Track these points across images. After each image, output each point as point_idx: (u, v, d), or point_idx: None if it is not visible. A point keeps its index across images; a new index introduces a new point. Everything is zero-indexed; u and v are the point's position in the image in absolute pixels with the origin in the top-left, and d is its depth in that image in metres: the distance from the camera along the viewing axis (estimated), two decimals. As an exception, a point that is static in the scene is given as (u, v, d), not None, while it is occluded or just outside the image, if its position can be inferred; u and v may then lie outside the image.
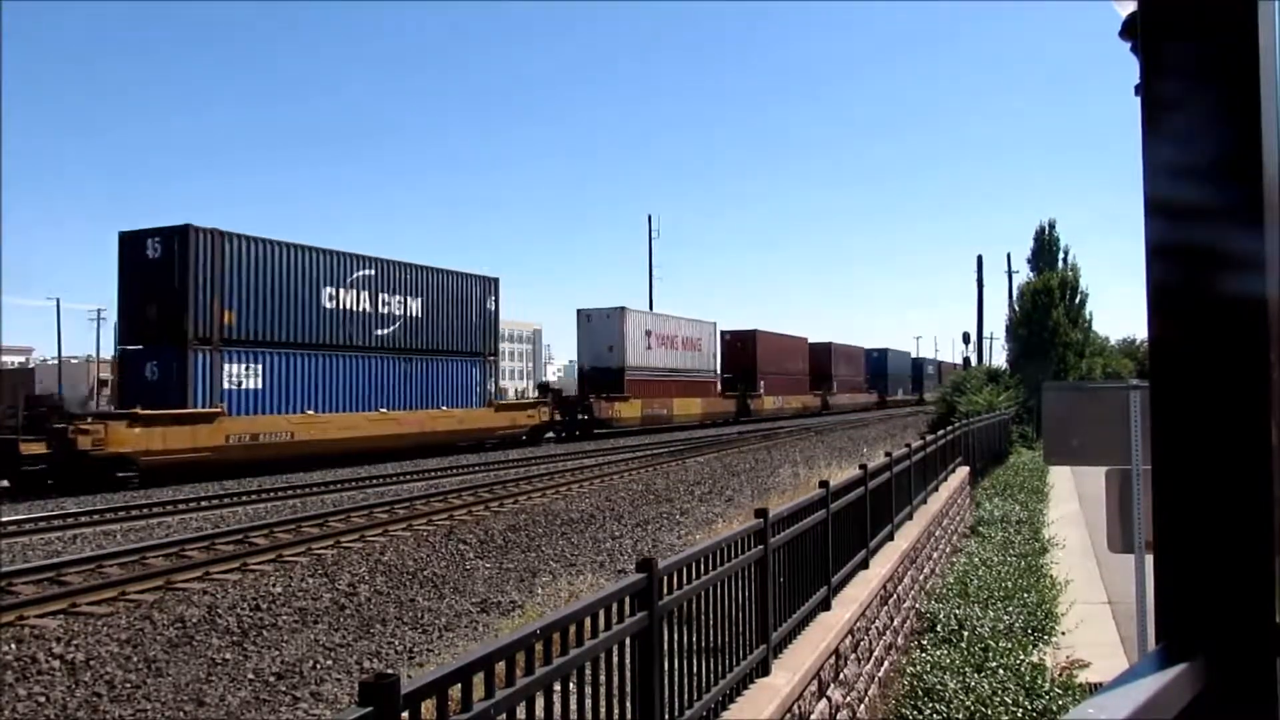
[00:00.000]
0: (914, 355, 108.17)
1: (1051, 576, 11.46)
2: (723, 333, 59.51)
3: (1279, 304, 1.06)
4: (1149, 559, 5.92)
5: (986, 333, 57.32)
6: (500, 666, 2.86)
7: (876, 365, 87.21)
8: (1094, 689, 6.82)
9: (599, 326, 45.74)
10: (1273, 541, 1.07)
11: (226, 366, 25.30)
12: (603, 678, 3.52)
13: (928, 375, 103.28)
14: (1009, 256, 60.99)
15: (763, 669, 5.45)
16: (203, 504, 18.92)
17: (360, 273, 30.16)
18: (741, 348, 59.48)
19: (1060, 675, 7.90)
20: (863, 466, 9.08)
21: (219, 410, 24.63)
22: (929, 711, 6.94)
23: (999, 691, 6.97)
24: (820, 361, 72.50)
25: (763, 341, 60.74)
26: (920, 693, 7.29)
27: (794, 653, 5.97)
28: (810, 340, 73.86)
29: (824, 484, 7.24)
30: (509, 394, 52.21)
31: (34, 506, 18.39)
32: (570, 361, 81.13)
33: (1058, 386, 8.52)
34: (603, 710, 3.52)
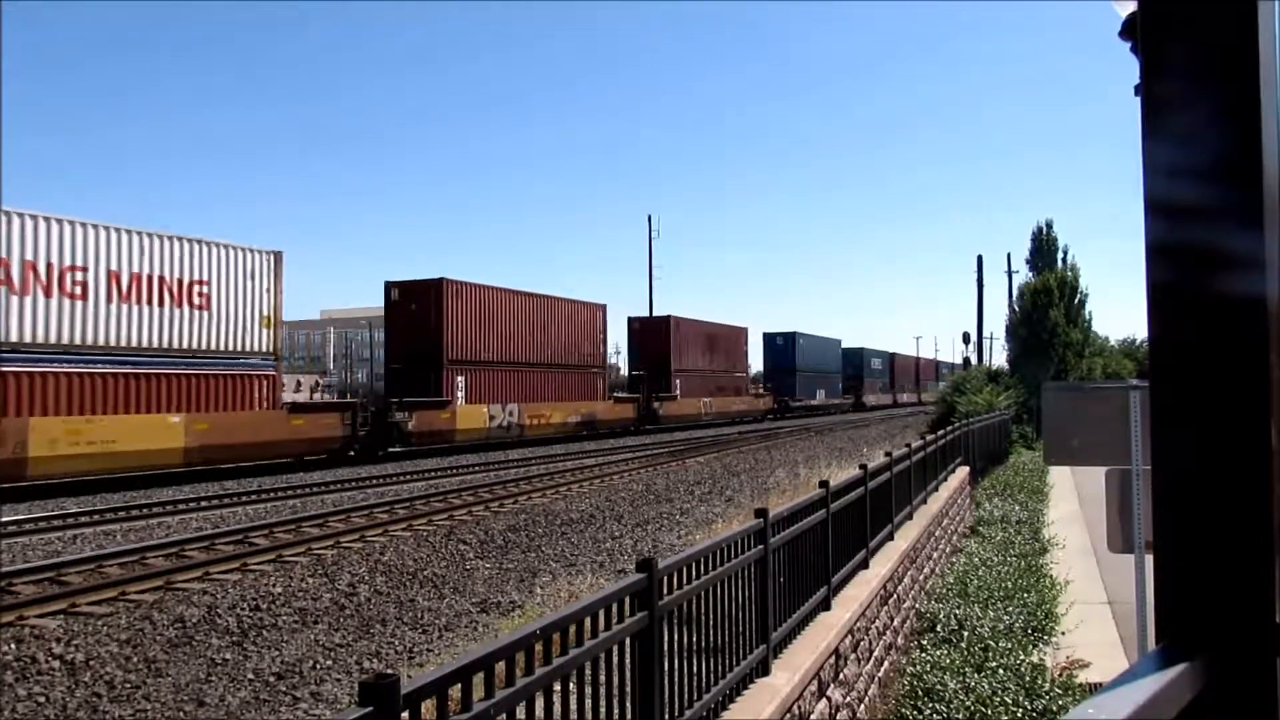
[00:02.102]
0: (851, 346, 79.51)
1: (1051, 576, 11.46)
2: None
3: (1279, 304, 1.06)
4: (1149, 559, 5.92)
5: (986, 333, 57.41)
6: (500, 666, 2.86)
7: (778, 356, 64.38)
8: (1094, 689, 6.81)
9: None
10: (1273, 541, 1.07)
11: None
12: (603, 678, 3.52)
13: (873, 372, 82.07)
14: (1009, 257, 60.80)
15: (762, 669, 5.45)
16: (203, 504, 18.91)
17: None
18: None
19: (1060, 675, 7.91)
20: (863, 466, 9.08)
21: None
22: (929, 711, 6.94)
23: (999, 691, 6.98)
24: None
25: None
26: (920, 693, 7.29)
27: (794, 653, 5.98)
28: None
29: (824, 484, 7.24)
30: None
31: (34, 506, 18.39)
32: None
33: (1058, 387, 8.53)
34: (603, 710, 3.52)
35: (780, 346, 64.29)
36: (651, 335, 48.55)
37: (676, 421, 47.45)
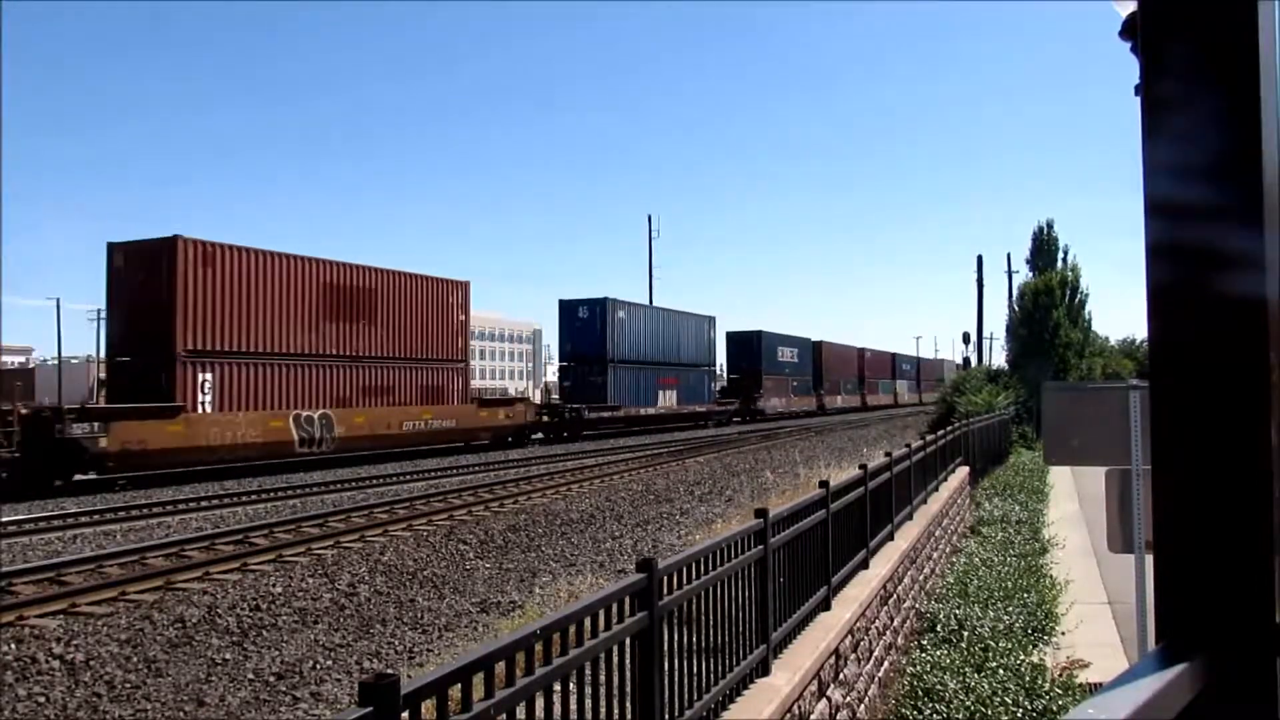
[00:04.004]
0: (741, 329, 61.30)
1: (1051, 576, 11.46)
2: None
3: (1279, 304, 1.06)
4: (1149, 559, 5.92)
5: (987, 333, 57.27)
6: (500, 667, 2.86)
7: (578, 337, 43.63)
8: (1094, 689, 6.82)
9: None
10: (1273, 541, 1.07)
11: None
12: (603, 678, 3.52)
13: (778, 366, 60.73)
14: (1009, 257, 60.77)
15: (763, 669, 5.45)
16: (203, 504, 18.91)
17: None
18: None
19: (1060, 675, 7.90)
20: (863, 467, 9.07)
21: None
22: (929, 711, 6.94)
23: (999, 691, 6.97)
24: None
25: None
26: (920, 693, 7.29)
27: (794, 653, 5.97)
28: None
29: (824, 484, 7.24)
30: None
31: (34, 507, 18.39)
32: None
33: (1058, 386, 8.54)
34: (603, 710, 3.52)
35: (585, 319, 43.43)
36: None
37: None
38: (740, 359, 59.56)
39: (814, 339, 69.11)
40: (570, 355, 44.60)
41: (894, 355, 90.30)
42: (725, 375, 60.66)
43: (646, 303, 51.28)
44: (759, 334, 59.78)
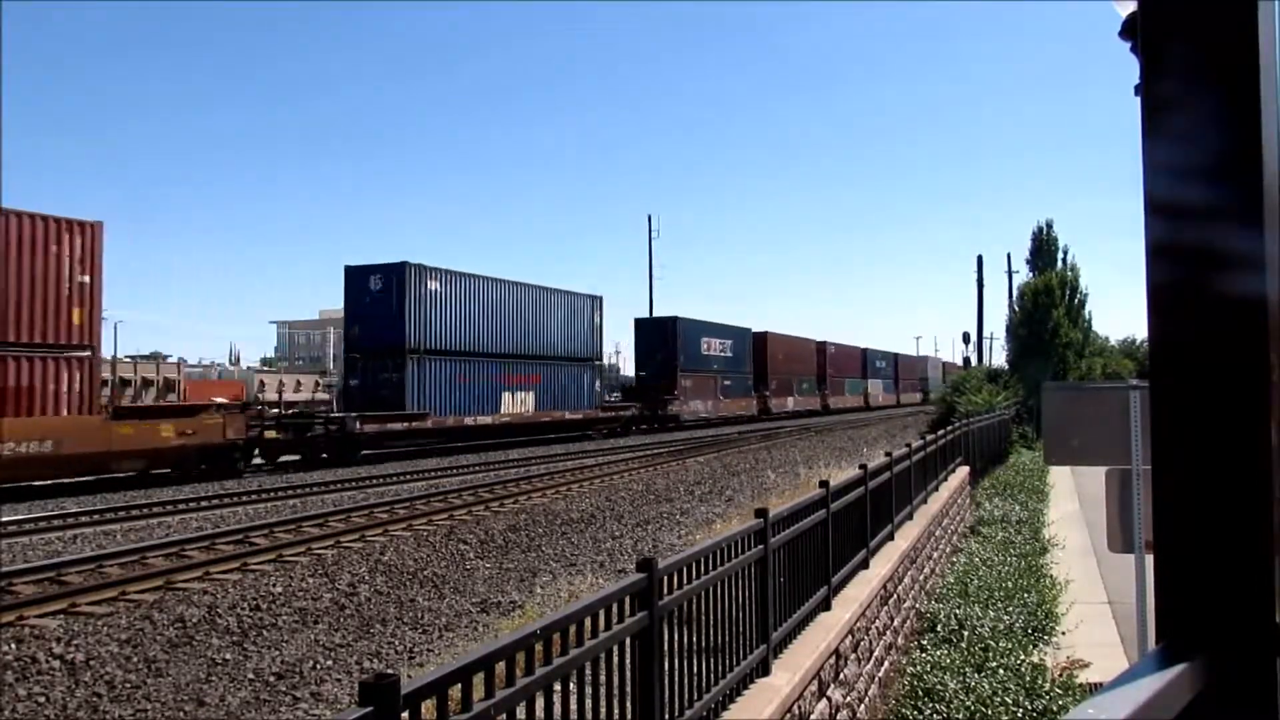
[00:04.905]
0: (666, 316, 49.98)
1: (1051, 576, 11.46)
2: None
3: (1279, 304, 1.06)
4: (1149, 559, 5.92)
5: (987, 333, 57.05)
6: (500, 666, 2.86)
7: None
8: (1094, 689, 6.82)
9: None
10: (1273, 541, 1.07)
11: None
12: (603, 678, 3.52)
13: (704, 359, 50.05)
14: (1009, 256, 60.57)
15: (763, 669, 5.45)
16: (203, 504, 18.91)
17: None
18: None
19: (1060, 675, 7.90)
20: (863, 466, 9.08)
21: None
22: (929, 711, 6.94)
23: (999, 691, 6.98)
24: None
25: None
26: (920, 693, 7.29)
27: (794, 653, 5.97)
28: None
29: (824, 484, 7.24)
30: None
31: (34, 506, 18.39)
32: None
33: (1058, 386, 8.55)
34: (603, 710, 3.52)
35: (379, 294, 31.82)
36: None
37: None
38: (652, 353, 47.84)
39: (755, 330, 57.54)
40: (357, 344, 31.72)
41: (865, 350, 78.23)
42: (635, 373, 50.24)
43: (489, 275, 36.15)
44: (674, 320, 48.33)
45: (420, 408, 31.32)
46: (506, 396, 35.80)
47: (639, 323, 49.84)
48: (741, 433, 43.41)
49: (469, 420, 33.77)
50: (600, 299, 42.94)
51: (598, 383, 42.31)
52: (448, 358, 32.93)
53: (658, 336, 48.07)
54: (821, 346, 68.06)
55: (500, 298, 36.26)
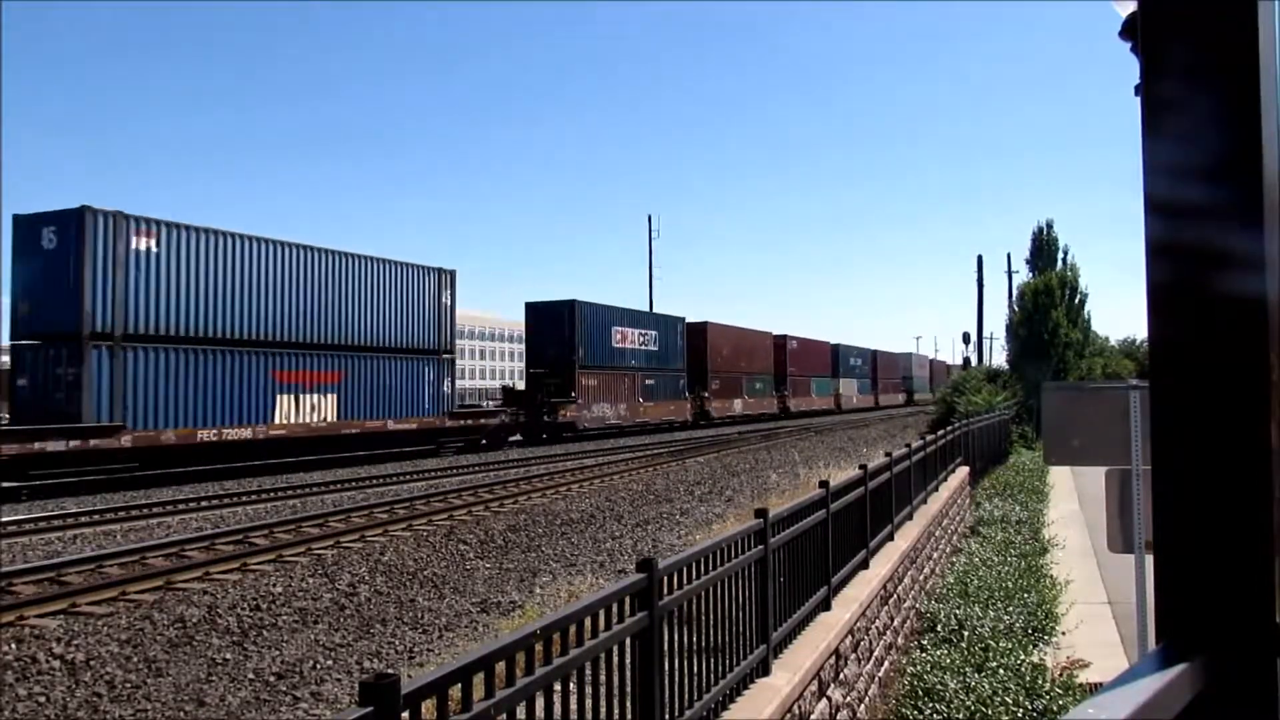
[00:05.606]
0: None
1: (1051, 576, 11.46)
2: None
3: (1279, 304, 1.06)
4: (1149, 559, 5.92)
5: (987, 333, 57.17)
6: (500, 666, 2.86)
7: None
8: (1094, 689, 6.82)
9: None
10: (1273, 541, 1.07)
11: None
12: (603, 678, 3.52)
13: (616, 353, 41.85)
14: (1009, 257, 60.77)
15: (763, 669, 5.45)
16: (203, 504, 18.91)
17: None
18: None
19: (1060, 675, 7.91)
20: (862, 467, 9.08)
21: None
22: (929, 711, 6.94)
23: (999, 691, 6.98)
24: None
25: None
26: (920, 693, 7.29)
27: (794, 653, 5.97)
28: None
29: (824, 484, 7.24)
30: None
31: (34, 507, 18.39)
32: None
33: (1058, 386, 8.54)
34: (603, 710, 3.52)
35: (53, 252, 22.71)
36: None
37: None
38: (546, 345, 38.90)
39: (691, 320, 49.38)
40: (27, 327, 22.66)
41: (836, 346, 70.83)
42: (525, 370, 40.63)
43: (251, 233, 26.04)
44: (572, 305, 38.89)
45: (114, 418, 22.05)
46: (285, 401, 26.46)
47: (530, 308, 39.71)
48: (741, 433, 43.15)
49: (209, 435, 24.22)
50: (452, 273, 32.92)
51: (447, 382, 32.48)
52: (171, 346, 23.60)
53: (553, 325, 38.63)
54: (781, 341, 60.41)
55: (272, 266, 26.39)
